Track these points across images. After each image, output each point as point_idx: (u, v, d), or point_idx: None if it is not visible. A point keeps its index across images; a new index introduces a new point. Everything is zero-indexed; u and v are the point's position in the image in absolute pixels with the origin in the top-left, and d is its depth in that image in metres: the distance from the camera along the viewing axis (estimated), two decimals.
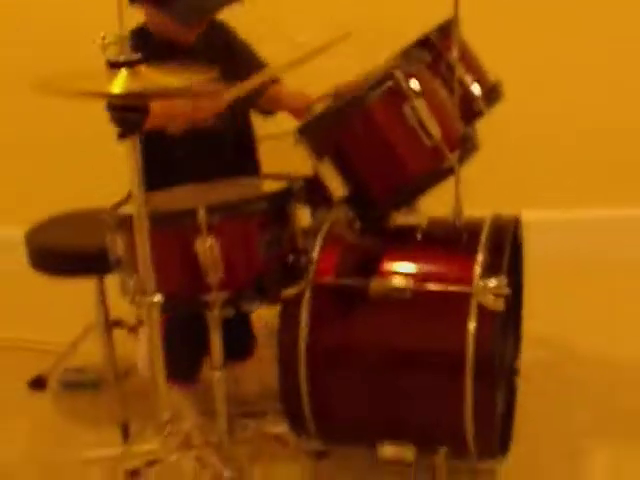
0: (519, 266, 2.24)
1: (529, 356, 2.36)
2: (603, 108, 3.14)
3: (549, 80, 3.14)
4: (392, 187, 1.89)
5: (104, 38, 1.52)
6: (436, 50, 2.13)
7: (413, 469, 1.95)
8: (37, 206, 2.59)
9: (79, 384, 2.55)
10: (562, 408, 2.35)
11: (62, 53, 3.06)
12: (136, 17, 2.13)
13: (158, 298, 1.67)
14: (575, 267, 3.10)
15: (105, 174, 2.86)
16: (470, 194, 2.01)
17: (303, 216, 1.93)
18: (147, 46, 1.67)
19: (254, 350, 2.46)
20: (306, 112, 2.40)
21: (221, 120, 2.12)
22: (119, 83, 1.46)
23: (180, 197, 1.99)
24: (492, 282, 1.85)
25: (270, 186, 2.02)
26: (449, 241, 2.04)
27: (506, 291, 1.85)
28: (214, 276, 1.71)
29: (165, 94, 1.62)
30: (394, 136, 1.87)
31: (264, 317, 2.43)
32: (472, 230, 2.00)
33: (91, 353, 2.53)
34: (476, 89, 2.18)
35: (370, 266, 1.98)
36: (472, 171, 2.02)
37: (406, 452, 1.95)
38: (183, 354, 2.10)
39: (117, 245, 1.82)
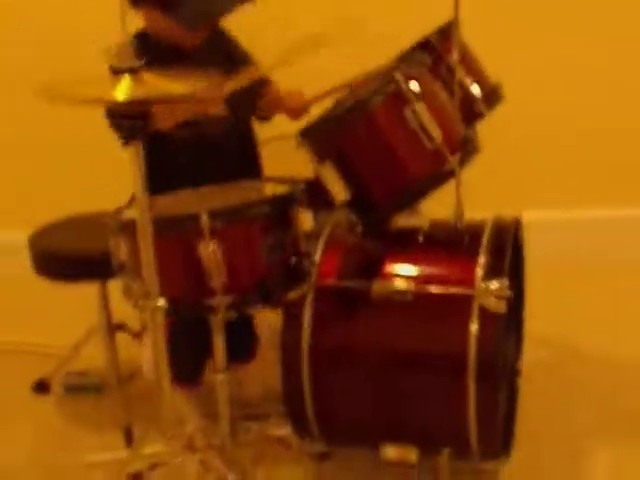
0: (520, 267, 2.25)
1: (531, 356, 2.37)
2: (603, 108, 3.15)
3: (549, 80, 3.15)
4: (393, 190, 1.90)
5: (108, 46, 1.51)
6: (436, 52, 2.13)
7: (416, 470, 1.96)
8: (40, 209, 2.60)
9: (82, 388, 2.55)
10: (564, 408, 2.35)
11: (62, 53, 3.10)
12: (135, 20, 2.14)
13: (162, 302, 1.67)
14: (576, 267, 3.11)
15: (108, 177, 2.88)
16: (470, 195, 2.01)
17: (305, 219, 1.93)
18: (149, 51, 1.67)
19: (257, 352, 2.46)
20: (303, 111, 2.42)
21: (224, 125, 2.12)
22: (122, 90, 1.46)
23: (183, 201, 2.00)
24: (494, 284, 1.86)
25: (272, 189, 2.03)
26: (451, 243, 2.05)
27: (508, 293, 1.85)
28: (217, 280, 1.72)
29: (169, 100, 1.62)
30: (395, 139, 1.88)
31: (266, 319, 2.44)
32: (473, 232, 2.01)
33: (94, 357, 2.53)
34: (476, 91, 2.19)
35: (372, 269, 1.98)
36: (472, 172, 2.02)
37: (409, 453, 1.96)
38: (187, 357, 2.10)
39: (120, 249, 1.83)
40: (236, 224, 1.75)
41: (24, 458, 2.32)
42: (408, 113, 1.83)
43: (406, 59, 2.09)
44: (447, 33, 2.12)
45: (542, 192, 3.26)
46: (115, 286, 2.13)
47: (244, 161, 2.32)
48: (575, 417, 2.31)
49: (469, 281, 1.88)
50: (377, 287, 1.93)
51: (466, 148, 1.93)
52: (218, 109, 2.08)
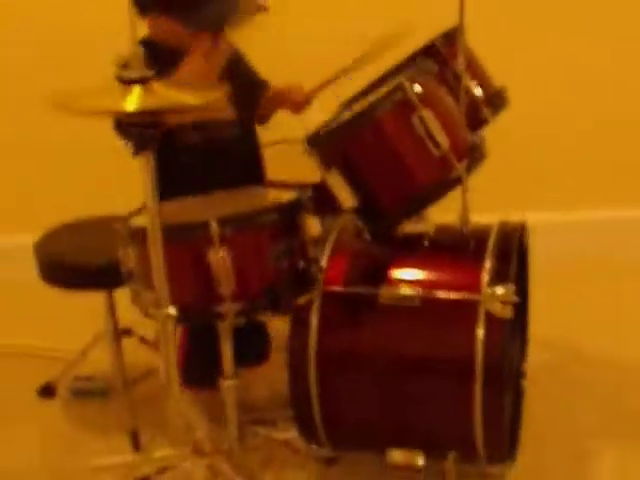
0: (525, 270, 2.26)
1: (535, 358, 2.38)
2: (605, 110, 3.16)
3: (551, 82, 3.15)
4: (401, 197, 1.90)
5: (117, 54, 1.51)
6: (442, 58, 2.13)
7: (422, 474, 1.97)
8: (48, 213, 2.60)
9: (88, 392, 2.56)
10: (568, 410, 2.37)
11: (66, 55, 3.12)
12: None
13: (172, 311, 1.68)
14: (580, 269, 3.11)
15: (115, 179, 2.87)
16: (474, 197, 2.03)
17: (313, 225, 1.94)
18: (158, 59, 1.66)
19: (270, 354, 2.47)
20: (305, 103, 2.44)
21: (232, 129, 2.13)
22: (132, 100, 1.46)
23: (191, 208, 2.01)
24: (500, 290, 1.87)
25: (278, 195, 2.03)
26: (456, 248, 2.06)
27: (514, 299, 1.87)
28: (227, 287, 1.73)
29: (179, 111, 1.63)
30: (402, 146, 1.88)
31: (273, 323, 2.45)
32: (479, 237, 2.02)
33: (100, 361, 2.54)
34: (482, 97, 2.19)
35: (379, 274, 1.99)
36: (476, 174, 2.03)
37: (415, 457, 1.97)
38: (205, 359, 2.09)
39: (129, 257, 1.83)
40: (245, 231, 1.76)
41: (30, 462, 2.32)
42: (415, 120, 1.84)
43: (412, 65, 2.08)
44: (452, 38, 2.13)
45: (546, 194, 3.27)
46: (122, 291, 2.15)
47: (250, 166, 2.32)
48: (579, 419, 2.33)
49: (475, 286, 1.90)
50: (384, 292, 1.95)
51: (473, 155, 1.93)
52: (226, 113, 2.08)
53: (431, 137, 1.84)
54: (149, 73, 1.51)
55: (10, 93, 3.24)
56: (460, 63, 2.01)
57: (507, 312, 1.86)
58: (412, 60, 2.19)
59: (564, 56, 3.12)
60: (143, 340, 2.57)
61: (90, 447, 2.34)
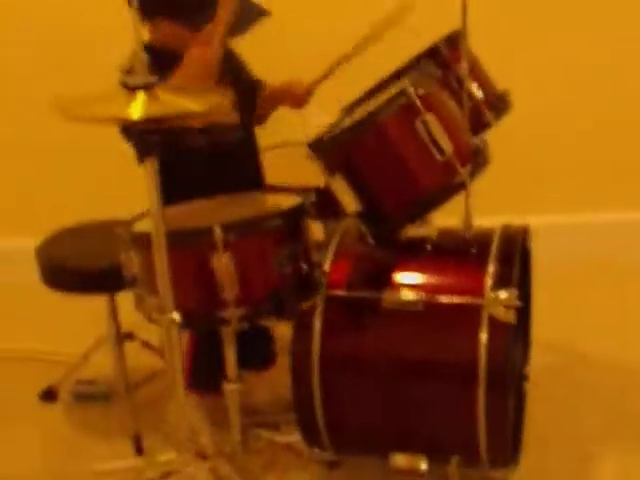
0: (528, 273, 2.26)
1: (538, 361, 2.38)
2: (609, 112, 3.16)
3: (552, 84, 3.15)
4: (404, 202, 1.90)
5: (123, 63, 1.51)
6: (445, 62, 2.13)
7: (425, 479, 1.97)
8: (51, 217, 2.60)
9: (90, 396, 2.56)
10: (572, 413, 2.37)
11: (62, 54, 3.11)
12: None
13: (176, 316, 1.68)
14: (583, 271, 3.11)
15: (117, 181, 2.88)
16: (476, 200, 2.03)
17: (316, 229, 1.95)
18: (159, 64, 1.66)
19: (275, 358, 2.48)
20: (306, 96, 2.45)
21: (236, 132, 2.12)
22: (137, 107, 1.46)
23: (194, 213, 2.00)
24: (503, 294, 1.87)
25: (279, 199, 2.03)
26: (459, 253, 2.06)
27: (517, 303, 1.87)
28: (230, 293, 1.73)
29: (184, 117, 1.62)
30: (406, 152, 1.88)
31: (276, 327, 2.44)
32: (482, 241, 2.02)
33: (102, 365, 2.54)
34: (482, 98, 2.19)
35: (382, 278, 1.99)
36: (478, 177, 2.03)
37: (418, 462, 1.97)
38: (211, 363, 2.09)
39: (132, 262, 1.83)
40: (249, 237, 1.76)
41: (33, 466, 2.32)
42: (419, 125, 1.84)
43: (415, 68, 2.08)
44: (455, 41, 2.13)
45: (548, 196, 3.27)
46: (124, 295, 2.15)
47: (251, 169, 2.33)
48: (583, 421, 2.33)
49: (478, 291, 1.90)
50: (387, 297, 1.95)
51: (476, 159, 1.93)
52: (231, 118, 2.08)
53: (435, 142, 1.84)
54: (153, 79, 1.50)
55: (13, 96, 3.25)
56: (463, 67, 2.01)
57: (510, 316, 1.86)
58: (415, 63, 2.19)
59: (567, 59, 3.12)
60: (145, 344, 2.57)
61: (92, 451, 2.34)
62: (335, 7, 3.05)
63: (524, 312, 2.26)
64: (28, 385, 2.62)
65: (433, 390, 1.93)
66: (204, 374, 2.00)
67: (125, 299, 2.18)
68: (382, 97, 1.96)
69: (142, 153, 1.54)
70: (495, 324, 1.86)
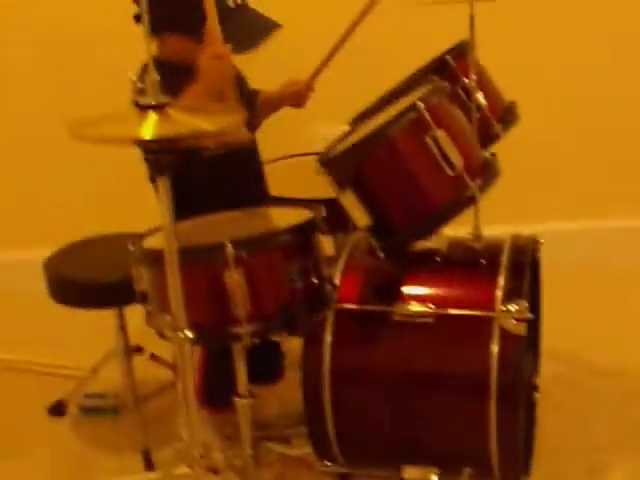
0: (537, 283, 2.26)
1: (546, 370, 2.38)
2: (614, 121, 3.16)
3: (560, 93, 3.16)
4: (414, 217, 1.90)
5: (135, 81, 1.51)
6: (452, 73, 2.13)
7: None
8: (60, 228, 2.61)
9: (99, 409, 2.55)
10: (581, 423, 2.36)
11: (62, 53, 3.11)
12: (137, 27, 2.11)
13: (189, 334, 1.67)
14: (590, 279, 3.11)
15: (127, 196, 2.88)
16: (483, 208, 2.03)
17: (327, 243, 1.94)
18: (171, 79, 1.66)
19: (284, 372, 2.47)
20: (307, 92, 2.45)
21: (247, 144, 2.13)
22: (149, 128, 1.45)
23: (203, 229, 2.00)
24: (514, 306, 1.87)
25: (289, 213, 2.02)
26: (469, 264, 2.06)
27: (528, 316, 1.87)
28: (242, 309, 1.72)
29: (196, 137, 1.62)
30: (416, 167, 1.88)
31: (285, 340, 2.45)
32: (492, 253, 2.02)
33: (111, 378, 2.54)
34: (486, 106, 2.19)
35: (392, 291, 2.00)
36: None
37: (429, 474, 1.97)
38: (224, 380, 2.09)
39: (143, 279, 1.83)
40: (260, 253, 1.75)
41: None
42: (429, 140, 1.84)
43: (423, 82, 2.08)
44: (462, 53, 2.14)
45: (554, 204, 3.27)
46: (133, 308, 2.15)
47: (258, 182, 2.32)
48: (592, 431, 2.32)
49: (489, 303, 1.90)
50: (398, 310, 1.95)
51: (486, 173, 1.93)
52: (243, 136, 2.08)
53: (445, 157, 1.84)
54: (165, 98, 1.50)
55: (17, 104, 3.24)
56: (471, 79, 2.01)
57: (521, 329, 1.87)
58: (422, 74, 2.19)
59: (572, 68, 3.12)
60: (154, 357, 2.56)
61: (101, 465, 2.34)
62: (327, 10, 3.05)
63: (534, 322, 2.27)
64: (37, 399, 2.61)
65: (444, 402, 1.94)
66: (216, 390, 2.00)
67: (133, 312, 2.18)
68: (391, 111, 1.96)
69: (154, 172, 1.54)
70: (506, 337, 1.87)
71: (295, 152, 2.72)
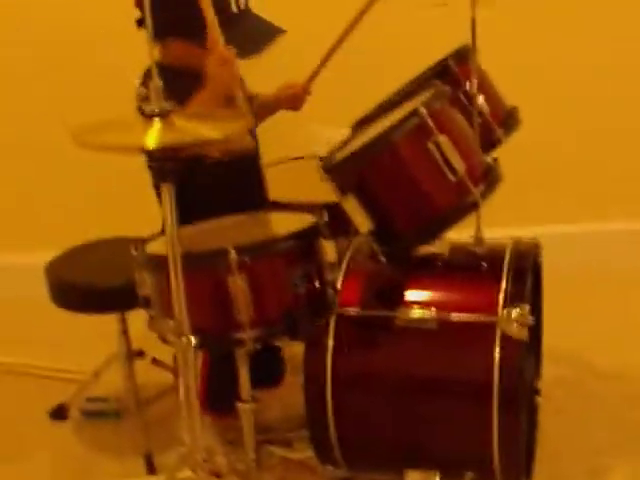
0: (538, 286, 2.26)
1: (547, 373, 2.38)
2: (615, 123, 3.17)
3: (562, 97, 3.16)
4: (417, 223, 1.90)
5: (139, 90, 1.51)
6: (454, 78, 2.14)
7: None
8: (62, 232, 2.61)
9: (101, 413, 2.56)
10: (582, 425, 2.37)
11: (63, 53, 3.11)
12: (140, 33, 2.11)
13: (193, 340, 1.67)
14: (591, 281, 3.11)
15: (129, 200, 2.88)
16: (483, 212, 2.03)
17: (329, 248, 1.95)
18: (175, 85, 1.66)
19: (284, 376, 2.48)
20: (303, 95, 2.46)
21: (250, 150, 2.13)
22: (153, 136, 1.45)
23: (206, 234, 2.00)
24: (516, 311, 1.88)
25: (291, 218, 2.02)
26: (471, 269, 2.07)
27: (530, 320, 1.87)
28: (245, 314, 1.73)
29: (200, 145, 1.62)
30: (419, 172, 1.88)
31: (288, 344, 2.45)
32: (494, 257, 2.03)
33: (113, 382, 2.54)
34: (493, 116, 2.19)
35: (394, 296, 2.00)
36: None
37: (432, 478, 1.97)
38: (226, 385, 2.09)
39: (146, 284, 1.83)
40: (263, 259, 1.76)
41: None
42: (431, 146, 1.84)
43: (425, 86, 2.08)
44: (464, 57, 2.14)
45: (554, 207, 3.27)
46: (134, 312, 2.15)
47: (259, 188, 2.32)
48: (594, 434, 2.33)
49: (491, 308, 1.90)
50: (400, 315, 1.95)
51: (488, 178, 1.93)
52: (248, 142, 2.08)
53: (447, 163, 1.84)
54: (170, 106, 1.50)
55: (21, 109, 3.24)
56: (473, 85, 2.01)
57: (523, 334, 1.87)
58: (424, 79, 2.19)
59: (573, 71, 3.13)
60: (155, 361, 2.57)
61: (103, 469, 2.34)
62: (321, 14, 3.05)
63: (535, 325, 2.26)
64: (39, 402, 2.61)
65: (446, 407, 1.94)
66: (219, 395, 2.00)
67: (135, 316, 2.19)
68: (393, 117, 1.96)
69: (158, 179, 1.54)
70: (508, 341, 1.87)
71: (293, 154, 2.72)
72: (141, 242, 1.89)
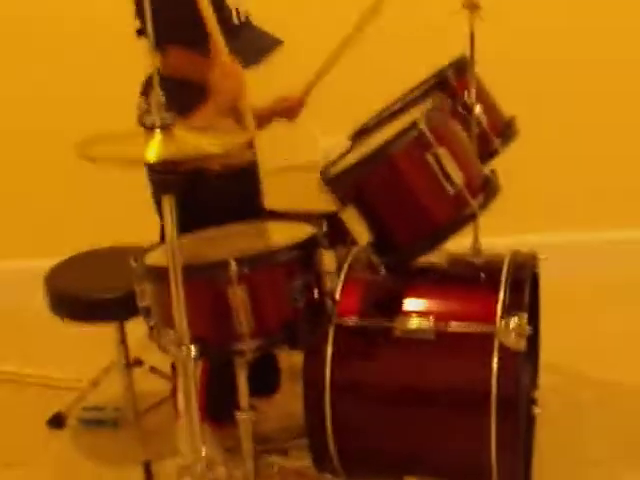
0: (536, 297, 2.27)
1: (544, 383, 2.38)
2: (613, 133, 3.19)
3: (561, 102, 3.18)
4: (416, 235, 1.92)
5: (139, 101, 1.51)
6: (452, 89, 2.15)
7: None
8: (62, 239, 2.61)
9: (99, 422, 2.56)
10: (578, 436, 2.37)
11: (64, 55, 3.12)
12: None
13: (193, 351, 1.68)
14: (588, 291, 3.12)
15: (128, 208, 2.88)
16: (481, 220, 2.04)
17: (329, 258, 1.95)
18: (175, 95, 1.66)
19: (280, 385, 2.48)
20: (299, 108, 2.46)
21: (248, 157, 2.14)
22: (154, 149, 1.46)
23: (205, 244, 2.00)
24: (514, 321, 1.89)
25: (290, 228, 2.03)
26: (470, 280, 2.08)
27: (528, 331, 1.88)
28: (246, 325, 1.73)
29: (201, 158, 1.63)
30: (418, 185, 1.89)
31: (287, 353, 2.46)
32: (492, 268, 2.04)
33: (111, 391, 2.54)
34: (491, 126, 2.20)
35: (392, 306, 2.01)
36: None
37: None
38: (225, 394, 2.10)
39: (145, 294, 1.83)
40: (263, 270, 1.76)
41: None
42: (430, 158, 1.85)
43: (425, 99, 2.09)
44: (462, 68, 2.15)
45: (552, 215, 3.29)
46: (133, 321, 2.15)
47: (257, 198, 2.33)
48: (590, 445, 2.34)
49: (489, 319, 1.91)
50: (399, 325, 1.96)
51: (487, 190, 1.94)
52: (249, 155, 2.09)
53: (446, 175, 1.85)
54: (170, 118, 1.50)
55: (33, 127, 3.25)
56: (471, 94, 2.02)
57: (521, 344, 1.88)
58: (423, 90, 2.20)
59: (570, 81, 3.15)
60: (153, 370, 2.57)
61: (101, 478, 2.35)
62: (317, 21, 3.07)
63: (533, 335, 2.27)
64: (37, 411, 2.61)
65: (444, 417, 1.95)
66: (217, 404, 2.00)
67: (133, 324, 2.19)
68: (392, 129, 1.97)
69: (159, 191, 1.55)
70: (506, 352, 1.88)
71: (290, 161, 2.73)
72: (140, 253, 1.90)
